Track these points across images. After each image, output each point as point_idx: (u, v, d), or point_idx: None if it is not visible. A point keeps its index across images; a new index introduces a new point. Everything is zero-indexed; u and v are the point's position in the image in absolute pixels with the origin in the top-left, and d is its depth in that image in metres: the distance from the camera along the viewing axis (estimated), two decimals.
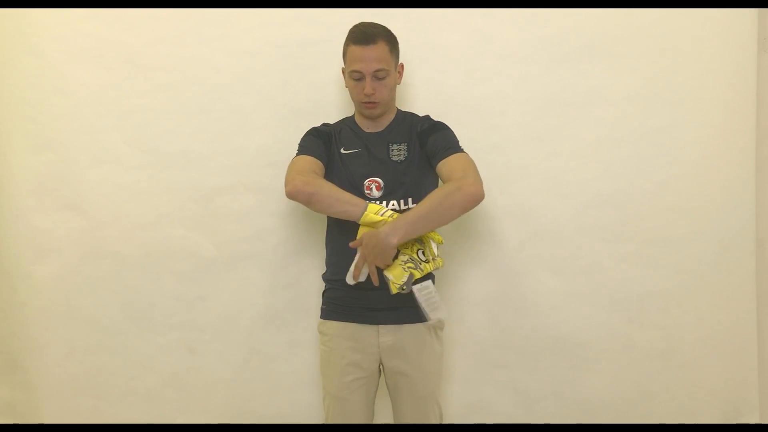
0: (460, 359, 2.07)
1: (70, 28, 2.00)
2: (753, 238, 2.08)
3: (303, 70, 2.01)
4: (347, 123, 1.86)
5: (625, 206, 2.03)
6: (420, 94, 2.02)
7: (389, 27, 1.78)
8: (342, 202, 1.65)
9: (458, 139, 1.79)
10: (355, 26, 1.76)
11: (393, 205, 1.73)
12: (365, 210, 1.61)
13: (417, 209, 1.62)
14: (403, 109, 1.88)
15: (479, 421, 2.08)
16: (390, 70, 1.74)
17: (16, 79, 2.01)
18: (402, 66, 1.81)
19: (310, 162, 1.74)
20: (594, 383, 2.07)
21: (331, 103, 2.00)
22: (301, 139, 1.82)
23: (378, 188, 1.74)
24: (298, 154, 1.78)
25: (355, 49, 1.71)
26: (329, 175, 1.76)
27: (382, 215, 1.61)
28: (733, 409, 2.09)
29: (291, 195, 1.67)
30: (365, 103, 1.75)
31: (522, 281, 2.05)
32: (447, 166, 1.71)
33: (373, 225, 1.61)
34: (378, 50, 1.70)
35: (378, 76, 1.72)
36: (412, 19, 1.97)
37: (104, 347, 2.06)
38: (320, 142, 1.79)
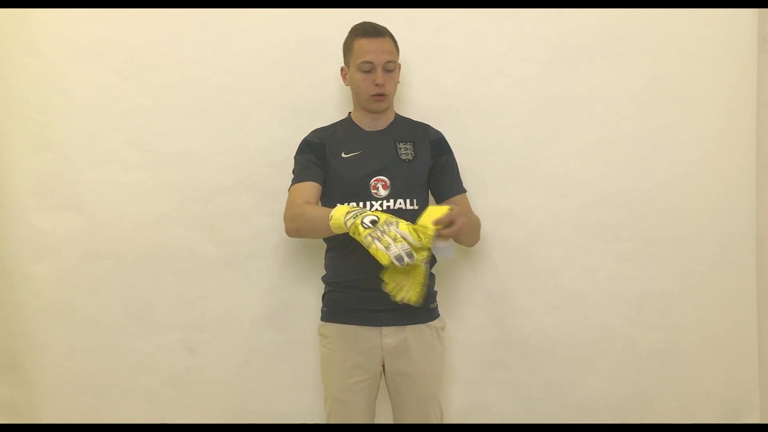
0: (461, 359, 2.07)
1: (70, 28, 2.00)
2: (753, 239, 2.08)
3: (303, 70, 2.01)
4: (343, 125, 1.84)
5: (625, 206, 2.03)
6: (420, 95, 2.02)
7: (390, 27, 1.78)
8: (318, 219, 1.60)
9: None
10: (359, 24, 1.77)
11: (400, 204, 1.73)
12: (332, 213, 1.55)
13: (470, 217, 1.74)
14: (404, 109, 1.88)
15: (479, 421, 2.08)
16: (396, 63, 1.76)
17: (16, 79, 2.01)
18: (399, 66, 1.81)
19: (302, 191, 1.73)
20: (594, 383, 2.07)
21: (331, 102, 2.00)
22: (295, 159, 1.80)
23: (384, 187, 1.73)
24: (291, 184, 1.77)
25: (365, 42, 1.72)
26: (331, 181, 1.76)
27: (348, 214, 1.53)
28: (733, 409, 2.10)
29: (289, 235, 1.75)
30: (375, 95, 1.74)
31: (522, 281, 2.05)
32: (459, 204, 1.79)
33: (354, 228, 1.50)
34: (387, 43, 1.74)
35: (388, 68, 1.73)
36: (412, 19, 1.97)
37: (104, 347, 2.06)
38: (312, 157, 1.77)
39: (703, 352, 2.06)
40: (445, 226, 1.53)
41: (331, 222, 1.55)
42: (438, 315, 1.81)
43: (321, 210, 1.62)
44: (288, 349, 2.06)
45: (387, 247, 1.45)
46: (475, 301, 2.06)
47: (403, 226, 1.49)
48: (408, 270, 1.54)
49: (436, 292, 1.82)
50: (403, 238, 1.46)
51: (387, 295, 1.69)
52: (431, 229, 1.51)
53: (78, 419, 2.05)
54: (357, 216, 1.50)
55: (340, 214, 1.53)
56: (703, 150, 2.03)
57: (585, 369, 2.07)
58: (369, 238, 1.46)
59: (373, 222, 1.48)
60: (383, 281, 1.57)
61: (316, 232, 1.68)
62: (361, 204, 1.72)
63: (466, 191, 1.85)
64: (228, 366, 2.07)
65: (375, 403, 1.80)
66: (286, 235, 1.75)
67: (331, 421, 1.77)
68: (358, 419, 1.75)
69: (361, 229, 1.48)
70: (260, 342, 2.06)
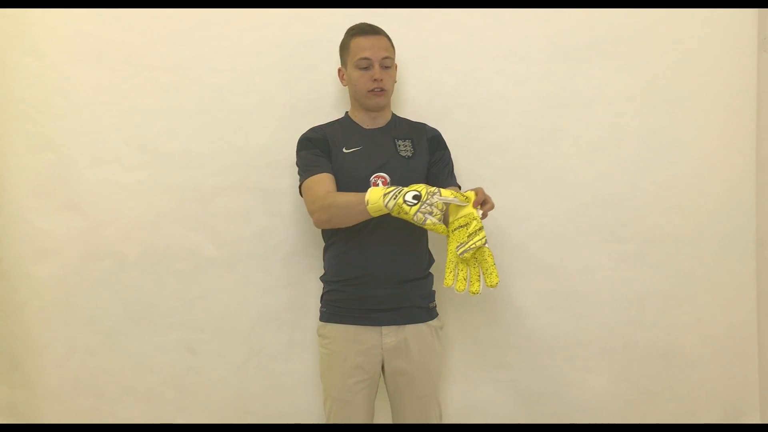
0: (460, 359, 2.07)
1: (70, 28, 2.00)
2: (753, 238, 2.08)
3: (303, 70, 2.01)
4: (342, 123, 1.85)
5: (625, 206, 2.04)
6: (419, 94, 2.02)
7: (389, 27, 1.80)
8: (353, 205, 1.60)
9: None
10: (355, 24, 1.79)
11: None
12: (368, 198, 1.55)
13: None
14: (403, 109, 1.88)
15: (479, 421, 2.08)
16: (393, 61, 1.78)
17: (16, 79, 2.01)
18: (396, 67, 1.82)
19: (321, 183, 1.71)
20: (594, 383, 2.07)
21: (330, 102, 2.00)
22: (299, 156, 1.79)
23: (384, 183, 1.74)
24: (304, 178, 1.75)
25: (362, 39, 1.74)
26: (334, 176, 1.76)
27: (387, 195, 1.53)
28: (733, 409, 2.10)
29: (319, 227, 1.75)
30: (373, 91, 1.74)
31: (522, 281, 2.05)
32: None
33: (399, 209, 1.51)
34: (383, 41, 1.76)
35: (385, 64, 1.75)
36: (411, 19, 1.98)
37: (104, 347, 2.06)
38: (318, 151, 1.76)
39: (703, 352, 2.06)
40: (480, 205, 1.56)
41: (369, 206, 1.55)
42: (437, 314, 1.81)
43: (353, 196, 1.62)
44: (288, 349, 2.06)
45: (441, 219, 1.50)
46: (475, 301, 2.06)
47: (446, 192, 1.52)
48: (470, 258, 1.54)
49: (434, 291, 1.82)
50: (448, 204, 1.51)
51: (386, 295, 1.69)
52: (476, 212, 1.53)
53: (78, 419, 2.05)
54: (397, 196, 1.51)
55: (378, 197, 1.54)
56: (703, 150, 2.03)
57: (585, 369, 2.07)
58: (420, 215, 1.49)
59: (416, 197, 1.50)
60: (449, 284, 1.57)
61: (351, 218, 1.66)
62: None
63: (460, 187, 1.85)
64: (228, 366, 2.07)
65: (374, 403, 1.80)
66: (315, 227, 1.75)
67: (331, 421, 1.77)
68: (358, 419, 1.75)
69: (406, 207, 1.50)
70: (260, 342, 2.06)
